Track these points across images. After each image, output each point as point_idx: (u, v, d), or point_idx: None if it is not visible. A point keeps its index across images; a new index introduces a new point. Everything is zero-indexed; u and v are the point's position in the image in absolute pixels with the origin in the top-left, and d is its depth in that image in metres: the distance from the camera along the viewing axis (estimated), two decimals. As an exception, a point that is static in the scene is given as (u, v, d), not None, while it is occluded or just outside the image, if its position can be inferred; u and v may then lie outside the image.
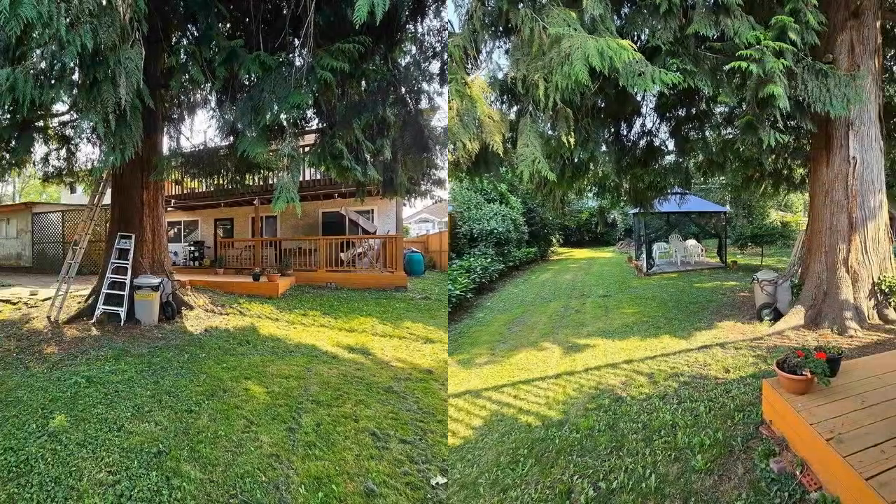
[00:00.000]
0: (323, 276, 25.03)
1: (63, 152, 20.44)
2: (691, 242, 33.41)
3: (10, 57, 9.06)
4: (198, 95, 16.50)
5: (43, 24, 8.25)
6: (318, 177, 26.83)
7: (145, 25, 9.99)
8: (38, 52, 9.30)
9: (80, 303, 16.67)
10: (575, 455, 7.25)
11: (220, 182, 19.61)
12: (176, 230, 36.45)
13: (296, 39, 13.42)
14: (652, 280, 26.37)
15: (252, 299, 20.01)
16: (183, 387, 9.57)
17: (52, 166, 20.70)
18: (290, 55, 12.82)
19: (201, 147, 16.28)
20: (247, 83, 13.27)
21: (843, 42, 13.00)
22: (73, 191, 32.85)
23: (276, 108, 10.78)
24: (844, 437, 5.40)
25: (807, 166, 17.98)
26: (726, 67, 9.71)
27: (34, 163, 20.78)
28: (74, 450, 6.83)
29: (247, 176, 17.14)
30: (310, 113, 14.66)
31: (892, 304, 12.93)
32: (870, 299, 12.97)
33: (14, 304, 17.65)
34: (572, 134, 12.15)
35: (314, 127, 16.10)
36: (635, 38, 11.56)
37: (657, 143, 17.16)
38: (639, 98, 15.37)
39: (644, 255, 30.04)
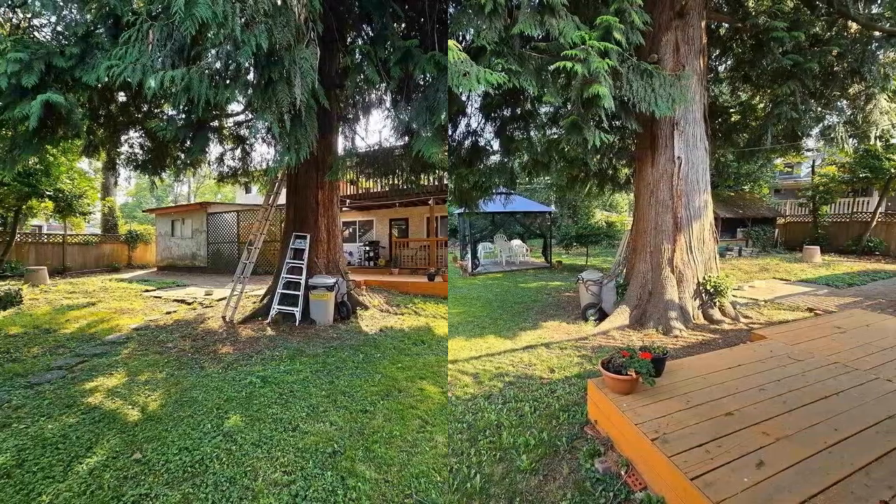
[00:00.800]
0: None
1: (238, 152, 21.22)
2: (516, 242, 34.03)
3: (184, 57, 9.47)
4: (373, 95, 16.84)
5: (218, 24, 8.59)
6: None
7: (320, 25, 10.29)
8: (213, 52, 9.67)
9: (254, 303, 17.34)
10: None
11: (395, 182, 19.97)
12: (351, 230, 37.32)
13: (471, 40, 13.61)
14: (477, 280, 26.30)
15: (427, 299, 20.26)
16: (358, 387, 9.74)
17: (227, 166, 21.51)
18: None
19: (376, 147, 16.58)
20: (421, 83, 13.47)
21: (668, 42, 13.36)
22: (247, 191, 33.98)
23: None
24: (669, 438, 5.66)
25: (632, 166, 18.30)
26: (551, 67, 9.65)
27: (209, 163, 21.63)
28: (249, 450, 7.05)
29: (422, 176, 17.40)
30: (484, 113, 14.89)
31: (717, 303, 13.28)
32: (695, 299, 13.26)
33: (189, 304, 18.53)
34: (397, 133, 12.27)
35: (489, 126, 16.42)
36: (460, 37, 11.71)
37: (482, 143, 17.27)
38: (464, 98, 15.43)
39: (469, 255, 30.36)
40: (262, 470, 6.51)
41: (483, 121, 16.97)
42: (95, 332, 14.16)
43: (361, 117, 17.66)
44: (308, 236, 16.62)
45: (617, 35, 9.61)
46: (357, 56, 12.66)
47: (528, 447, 6.80)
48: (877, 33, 15.41)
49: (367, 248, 33.35)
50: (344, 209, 33.26)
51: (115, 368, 10.81)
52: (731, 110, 21.20)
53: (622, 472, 5.88)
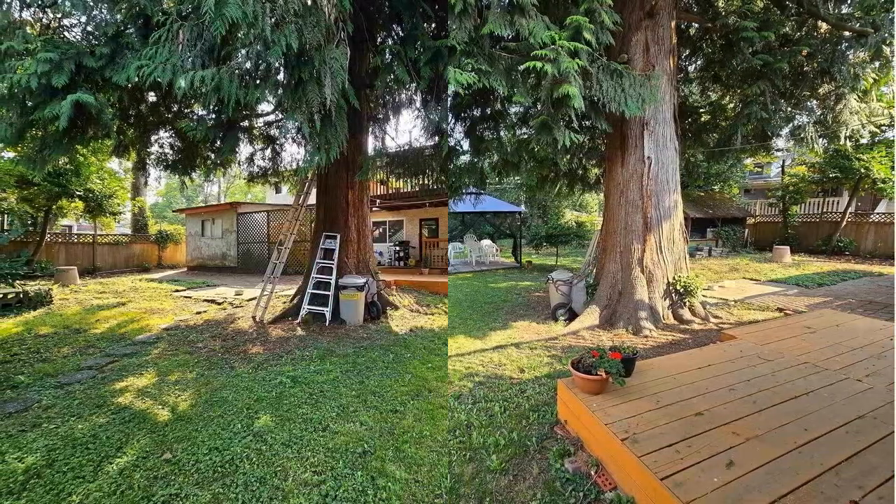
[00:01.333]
0: (529, 276, 25.01)
1: (268, 152, 21.32)
2: (486, 242, 33.94)
3: (214, 57, 9.54)
4: (402, 95, 16.93)
5: (248, 24, 8.65)
6: (524, 177, 26.99)
7: (350, 25, 10.32)
8: (243, 52, 9.72)
9: (284, 303, 17.44)
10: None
11: (425, 182, 19.97)
12: (381, 230, 37.47)
13: (501, 41, 13.62)
14: (447, 280, 25.69)
15: (457, 300, 20.08)
16: (388, 387, 9.76)
17: (257, 166, 21.62)
18: (495, 56, 13.03)
19: (406, 147, 16.62)
20: (452, 83, 13.54)
21: (638, 42, 13.45)
22: (278, 191, 34.10)
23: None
24: (639, 437, 5.68)
25: (602, 166, 18.59)
26: (521, 67, 9.74)
27: (239, 163, 21.74)
28: (279, 450, 7.07)
29: (452, 175, 17.49)
30: (515, 114, 14.88)
31: (687, 303, 13.30)
32: (665, 299, 13.28)
33: (219, 304, 18.63)
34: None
35: (519, 128, 16.41)
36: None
37: (452, 143, 16.85)
38: (434, 98, 15.09)
39: (440, 256, 29.84)
40: (293, 470, 6.54)
41: (453, 121, 16.85)
42: (125, 332, 14.29)
43: (391, 117, 17.76)
44: (338, 236, 16.69)
45: (587, 35, 9.67)
46: (387, 56, 12.70)
47: (497, 447, 6.80)
48: (847, 33, 15.44)
49: (397, 248, 33.54)
50: (374, 209, 33.39)
51: (145, 368, 10.91)
52: (702, 110, 21.31)
53: (592, 472, 5.89)
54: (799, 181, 32.31)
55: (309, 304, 15.69)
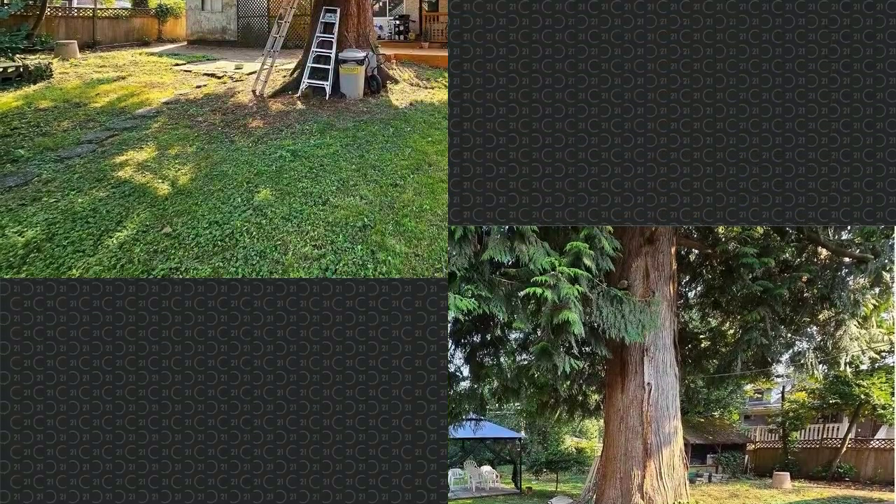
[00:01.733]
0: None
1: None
2: (486, 468, 32.43)
3: None
4: None
5: None
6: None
7: None
8: None
9: (284, 77, 17.11)
10: None
11: (428, -47, 19.36)
12: (381, 4, 36.01)
13: None
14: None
15: (457, 74, 19.74)
16: (388, 160, 9.67)
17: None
18: None
19: (408, -82, 16.10)
20: None
21: (638, 268, 13.13)
22: (278, -38, 33.27)
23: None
24: None
25: (602, 392, 17.78)
26: (521, 293, 9.49)
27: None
28: (279, 224, 7.02)
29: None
30: None
31: None
32: None
33: (219, 77, 18.30)
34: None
35: None
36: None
37: (452, 369, 16.61)
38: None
39: (436, 483, 29.49)
40: (293, 244, 6.49)
41: (453, 347, 16.45)
42: (126, 105, 14.00)
43: None
44: (338, 10, 16.14)
45: (587, 261, 9.49)
46: None
47: None
48: (847, 259, 15.25)
49: (398, 22, 32.97)
50: (374, -18, 32.56)
51: (146, 142, 10.76)
52: (702, 336, 21.06)
53: None
54: (799, 407, 31.84)
55: (309, 78, 15.44)
